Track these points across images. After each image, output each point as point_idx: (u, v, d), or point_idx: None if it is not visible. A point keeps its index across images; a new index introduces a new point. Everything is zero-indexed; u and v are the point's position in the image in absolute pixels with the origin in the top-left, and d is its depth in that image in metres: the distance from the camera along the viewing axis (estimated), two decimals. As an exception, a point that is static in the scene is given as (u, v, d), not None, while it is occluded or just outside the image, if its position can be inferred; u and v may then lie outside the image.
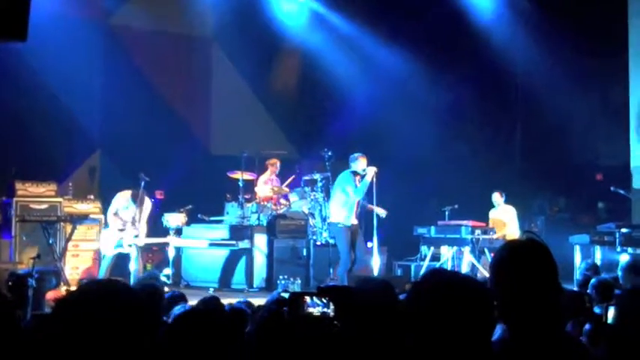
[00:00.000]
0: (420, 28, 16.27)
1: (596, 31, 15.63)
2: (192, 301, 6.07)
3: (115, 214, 11.71)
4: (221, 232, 13.44)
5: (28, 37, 7.64)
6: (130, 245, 11.63)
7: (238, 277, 12.94)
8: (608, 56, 15.45)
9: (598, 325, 4.57)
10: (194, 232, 13.46)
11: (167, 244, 12.69)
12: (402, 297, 4.81)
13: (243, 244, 13.01)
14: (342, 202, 11.65)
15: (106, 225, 12.11)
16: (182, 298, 6.09)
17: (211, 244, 13.24)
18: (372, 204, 11.79)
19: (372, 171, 11.49)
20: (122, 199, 11.75)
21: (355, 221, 11.68)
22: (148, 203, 11.94)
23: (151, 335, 2.01)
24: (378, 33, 16.71)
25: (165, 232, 12.89)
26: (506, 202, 14.20)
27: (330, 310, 4.01)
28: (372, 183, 11.54)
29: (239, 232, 13.18)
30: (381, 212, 11.95)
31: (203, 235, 13.41)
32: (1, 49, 12.47)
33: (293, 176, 14.85)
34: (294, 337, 3.72)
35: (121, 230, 11.67)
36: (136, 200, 11.63)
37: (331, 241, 13.22)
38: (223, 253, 13.16)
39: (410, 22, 16.29)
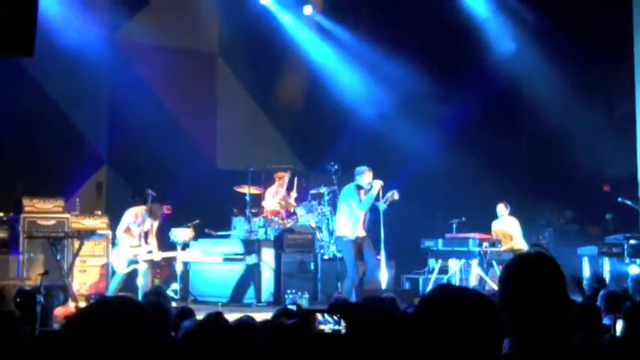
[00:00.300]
0: (426, 41, 16.30)
1: (601, 43, 15.64)
2: (200, 317, 6.06)
3: (126, 230, 11.74)
4: (228, 246, 13.43)
5: (35, 53, 7.68)
6: (146, 261, 11.69)
7: (246, 291, 12.92)
8: (613, 67, 15.45)
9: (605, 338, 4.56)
10: (202, 246, 13.45)
11: (174, 258, 12.71)
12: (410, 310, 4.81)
13: (251, 258, 13.00)
14: (346, 216, 11.67)
15: (115, 242, 12.12)
16: (190, 313, 6.06)
17: (219, 259, 13.23)
18: (380, 218, 11.74)
19: (377, 185, 11.49)
20: (132, 215, 11.78)
21: (362, 233, 11.66)
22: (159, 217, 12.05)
23: (159, 352, 2.00)
24: (384, 46, 16.74)
25: (172, 247, 12.90)
26: (511, 213, 14.16)
27: (342, 328, 4.00)
28: (378, 196, 11.54)
29: (246, 246, 13.18)
30: (394, 196, 11.77)
31: (210, 250, 13.40)
32: (8, 64, 12.55)
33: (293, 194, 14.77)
34: (306, 354, 3.71)
35: (133, 247, 11.71)
36: (151, 215, 11.69)
37: (339, 255, 13.22)
38: (231, 267, 13.15)
39: (415, 35, 16.32)
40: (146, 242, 11.82)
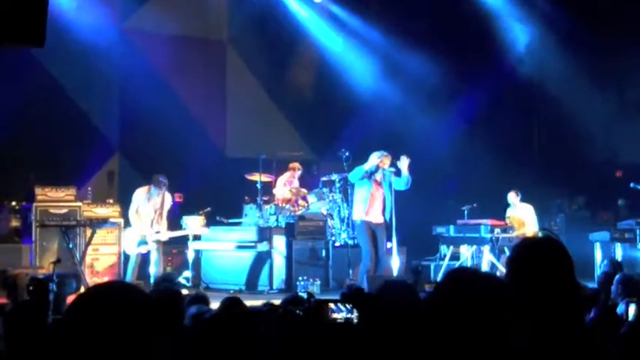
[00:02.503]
0: (439, 29, 16.23)
1: (613, 28, 15.55)
2: (213, 304, 6.07)
3: (137, 211, 11.91)
4: (240, 234, 13.47)
5: (46, 43, 7.70)
6: (155, 241, 11.81)
7: (258, 278, 12.96)
8: (626, 52, 15.36)
9: (615, 321, 4.54)
10: (213, 234, 13.50)
11: (187, 238, 12.71)
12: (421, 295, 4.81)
13: (262, 245, 13.03)
14: (355, 198, 11.74)
15: (128, 225, 12.25)
16: (202, 300, 6.06)
17: (230, 247, 13.28)
18: (391, 205, 11.68)
19: (375, 160, 11.47)
20: (140, 195, 11.95)
21: (377, 219, 11.63)
22: (168, 198, 12.12)
23: (166, 337, 2.01)
24: (396, 34, 16.69)
25: (184, 235, 12.94)
26: (523, 200, 14.13)
27: (354, 316, 4.01)
28: (389, 180, 11.53)
29: (258, 233, 13.20)
30: (403, 163, 11.54)
31: (222, 238, 13.45)
32: (19, 54, 12.57)
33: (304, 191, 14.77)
34: (318, 342, 3.72)
35: (143, 228, 11.84)
36: (155, 184, 11.82)
37: (350, 242, 13.24)
38: (242, 255, 13.19)
39: (429, 24, 16.26)
40: (158, 223, 11.96)
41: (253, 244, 13.11)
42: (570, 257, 2.70)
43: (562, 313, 2.60)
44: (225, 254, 13.32)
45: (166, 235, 12.11)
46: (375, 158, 11.49)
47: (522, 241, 2.80)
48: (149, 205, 11.97)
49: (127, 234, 12.11)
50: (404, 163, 11.45)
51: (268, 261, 12.95)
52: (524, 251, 2.72)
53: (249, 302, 6.30)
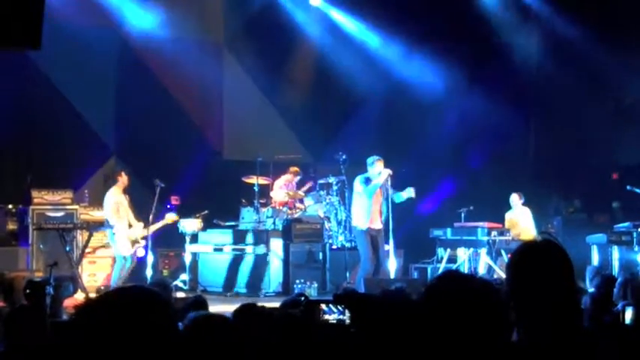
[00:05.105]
0: (436, 34, 16.23)
1: (610, 28, 15.56)
2: (211, 307, 6.05)
3: (118, 210, 11.78)
4: (237, 237, 13.46)
5: (42, 45, 7.70)
6: (143, 238, 11.73)
7: (255, 281, 12.95)
8: (623, 54, 15.38)
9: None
10: (210, 237, 13.49)
11: (184, 241, 12.67)
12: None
13: (260, 248, 13.03)
14: (357, 206, 11.69)
15: (112, 227, 11.98)
16: (201, 305, 5.99)
17: (227, 250, 13.27)
18: (388, 207, 11.69)
19: (385, 173, 11.46)
20: (118, 194, 11.87)
21: (377, 226, 11.62)
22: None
23: (167, 341, 2.01)
24: (394, 38, 16.70)
25: (181, 238, 12.94)
26: (524, 203, 14.15)
27: (346, 318, 4.00)
28: (386, 186, 11.51)
29: (255, 236, 13.20)
30: (409, 193, 11.67)
31: (219, 241, 13.44)
32: (16, 57, 12.57)
33: (309, 184, 14.81)
34: (312, 343, 3.72)
35: (129, 228, 11.76)
36: (118, 178, 11.81)
37: (347, 245, 13.24)
38: (239, 258, 13.18)
39: (425, 28, 16.25)
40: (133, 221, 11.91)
41: (250, 247, 13.11)
42: (570, 261, 2.69)
43: (562, 317, 2.60)
44: (222, 257, 13.31)
45: (150, 229, 11.97)
46: (385, 174, 11.46)
47: (522, 245, 2.80)
48: (125, 203, 11.90)
49: (120, 237, 11.85)
50: (409, 192, 11.48)
51: (265, 264, 12.94)
52: (525, 255, 2.71)
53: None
